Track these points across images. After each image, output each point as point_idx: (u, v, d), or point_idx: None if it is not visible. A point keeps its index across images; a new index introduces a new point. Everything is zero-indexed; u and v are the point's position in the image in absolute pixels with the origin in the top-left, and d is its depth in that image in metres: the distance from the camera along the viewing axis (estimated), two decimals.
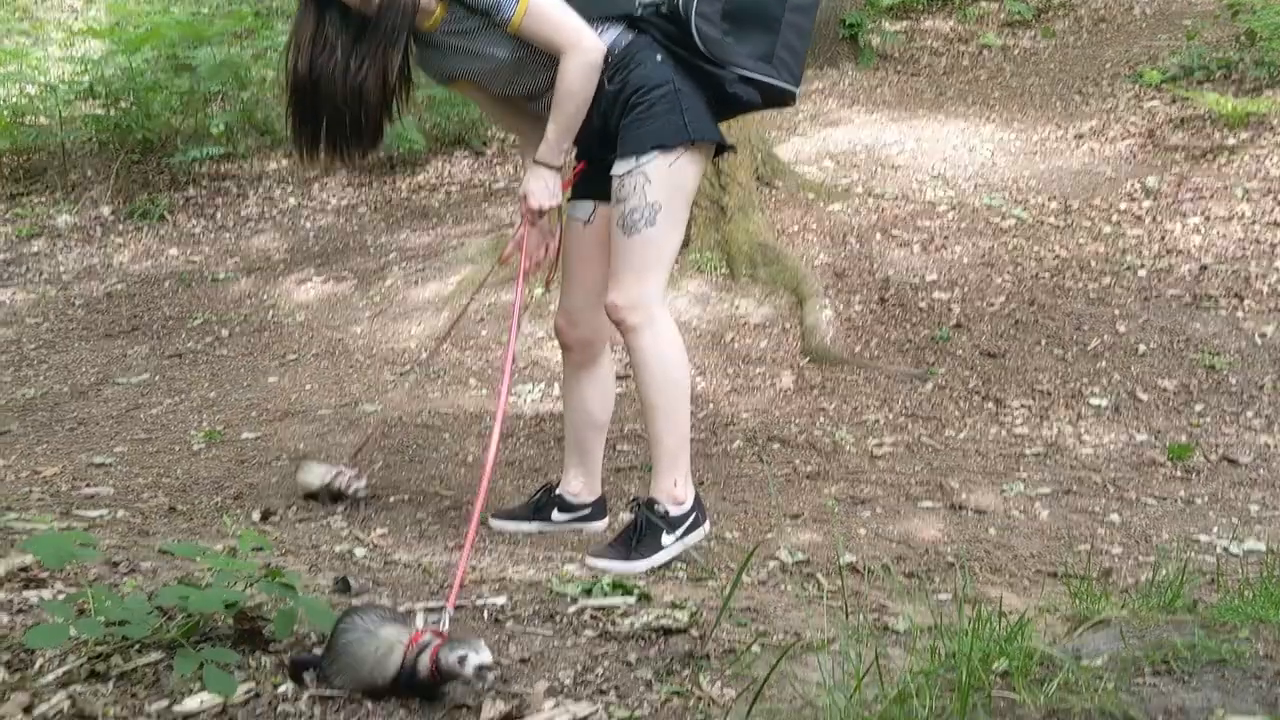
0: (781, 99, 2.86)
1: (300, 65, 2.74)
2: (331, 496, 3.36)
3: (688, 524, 2.86)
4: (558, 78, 2.71)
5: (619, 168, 2.75)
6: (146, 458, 3.98)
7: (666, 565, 2.80)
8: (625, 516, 3.23)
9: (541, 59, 2.75)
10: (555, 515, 3.20)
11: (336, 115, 2.77)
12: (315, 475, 3.40)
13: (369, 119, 2.77)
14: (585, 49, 2.69)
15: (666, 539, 2.82)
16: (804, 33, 2.83)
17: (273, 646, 1.98)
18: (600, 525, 3.22)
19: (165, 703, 1.77)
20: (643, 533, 2.81)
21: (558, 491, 3.22)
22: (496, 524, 3.21)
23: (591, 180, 2.94)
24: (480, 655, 1.80)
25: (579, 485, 3.21)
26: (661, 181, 2.72)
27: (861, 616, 2.19)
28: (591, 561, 2.79)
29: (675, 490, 2.85)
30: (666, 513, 2.83)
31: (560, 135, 2.76)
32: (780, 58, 2.78)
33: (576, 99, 2.72)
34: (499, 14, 2.67)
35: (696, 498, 2.92)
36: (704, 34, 2.71)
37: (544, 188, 2.81)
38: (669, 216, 2.75)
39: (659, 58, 2.75)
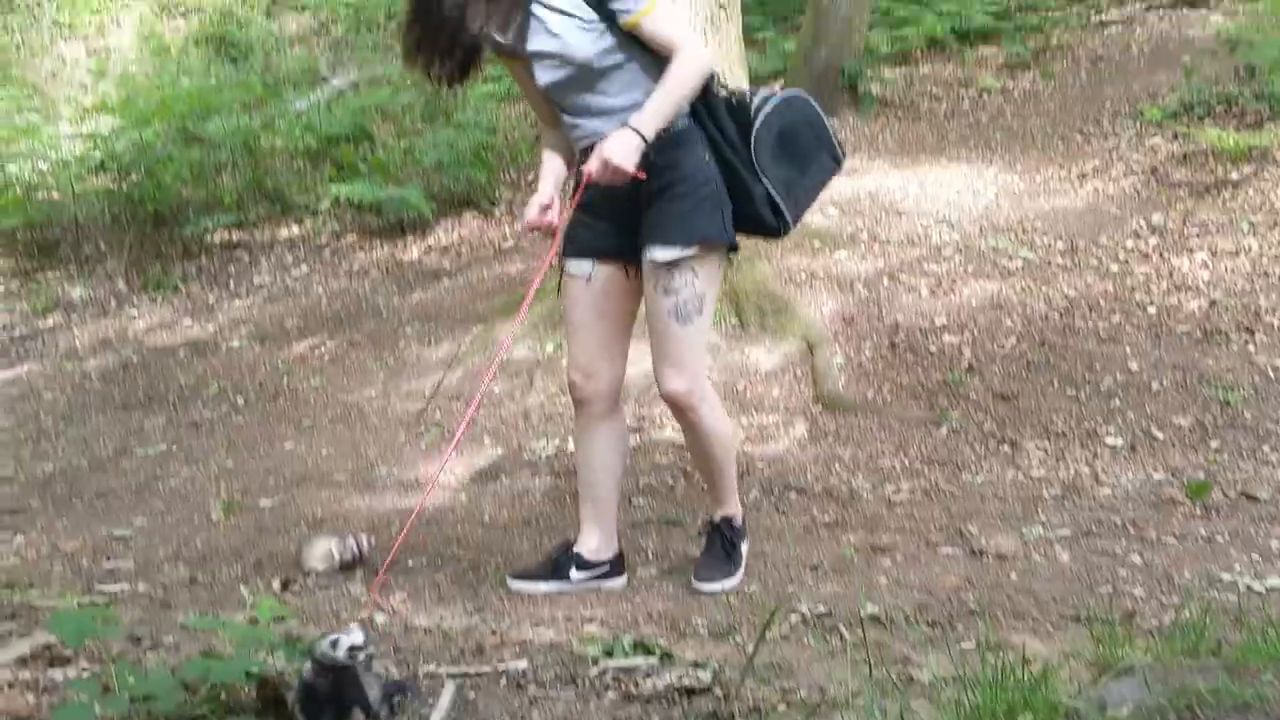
0: (776, 230, 3.03)
1: None
2: (345, 567, 3.37)
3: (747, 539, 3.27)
4: (674, 67, 2.83)
5: (664, 253, 2.88)
6: (166, 529, 4.00)
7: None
8: (646, 573, 3.24)
9: (609, 79, 2.89)
10: (573, 574, 3.19)
11: (435, 28, 2.86)
12: (319, 555, 3.38)
13: (460, 47, 2.87)
14: (703, 52, 2.93)
15: (743, 549, 3.23)
16: (816, 187, 3.09)
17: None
18: (619, 583, 3.23)
19: None
20: (729, 546, 3.19)
21: (575, 549, 3.22)
22: (515, 585, 3.20)
23: (593, 237, 3.02)
24: (350, 636, 1.83)
25: (596, 542, 3.21)
26: (705, 275, 2.93)
27: (885, 669, 2.18)
28: (704, 588, 3.10)
29: (738, 520, 3.23)
30: (739, 527, 3.23)
31: (660, 112, 2.83)
32: (795, 195, 3.00)
33: (685, 88, 2.86)
34: (623, 4, 2.82)
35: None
36: (760, 139, 2.93)
37: (625, 149, 2.80)
38: (710, 303, 2.98)
39: (706, 156, 2.91)
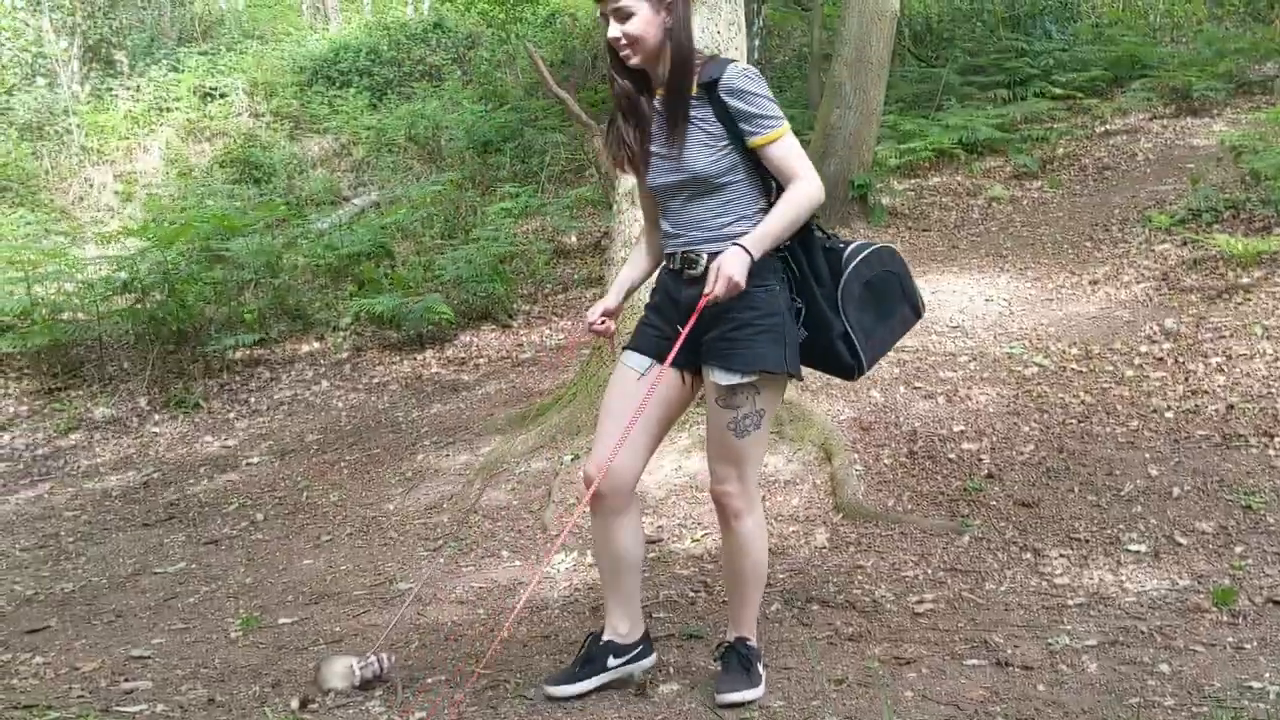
0: (851, 370, 3.14)
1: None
2: (365, 686, 3.34)
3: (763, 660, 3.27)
4: (791, 193, 2.95)
5: (726, 379, 2.99)
6: (184, 648, 3.98)
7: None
8: (668, 689, 3.21)
9: (717, 195, 3.01)
10: (610, 662, 3.26)
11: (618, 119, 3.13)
12: (340, 673, 3.36)
13: (632, 132, 3.10)
14: (820, 185, 2.99)
15: (760, 669, 3.20)
16: (895, 335, 3.25)
17: None
18: (651, 660, 3.34)
19: None
20: (749, 662, 3.18)
21: (605, 638, 3.27)
22: (554, 690, 3.23)
23: (658, 340, 3.14)
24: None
25: (625, 626, 3.27)
26: (766, 395, 3.03)
27: None
28: (726, 698, 3.09)
29: (753, 642, 3.23)
30: (755, 648, 3.22)
31: (771, 234, 2.94)
32: (873, 340, 3.14)
33: (799, 216, 2.96)
34: (756, 125, 2.95)
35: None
36: (848, 283, 3.07)
37: (741, 268, 2.88)
38: (769, 419, 3.08)
39: (778, 288, 3.02)
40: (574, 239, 10.29)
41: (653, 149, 3.07)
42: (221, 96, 14.48)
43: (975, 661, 3.37)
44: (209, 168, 12.87)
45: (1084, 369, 5.69)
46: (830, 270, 3.09)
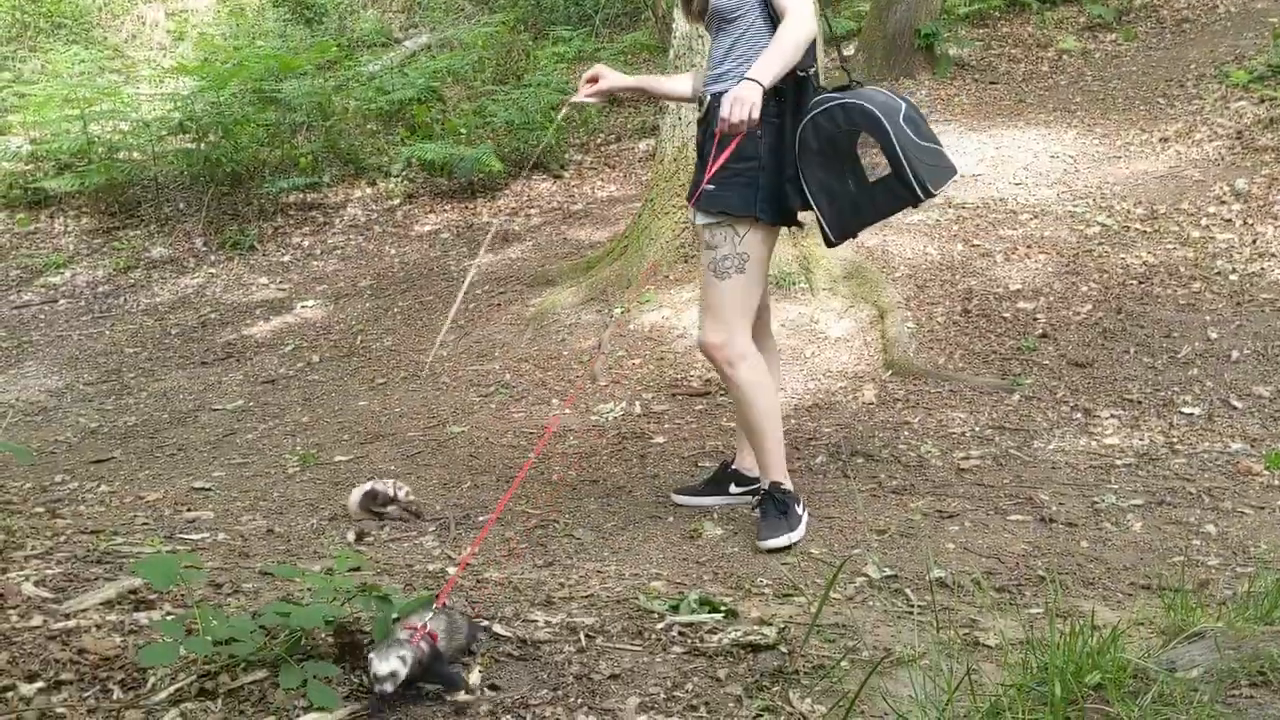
0: (825, 235, 3.11)
1: None
2: (382, 505, 3.53)
3: (802, 503, 3.30)
4: (782, 29, 2.93)
5: (700, 219, 3.11)
6: (244, 481, 4.10)
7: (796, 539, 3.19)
8: (712, 533, 3.26)
9: (727, 31, 3.07)
10: (733, 488, 3.52)
11: None
12: (354, 498, 3.58)
13: None
14: (810, 19, 2.95)
15: (799, 509, 3.25)
16: (873, 212, 3.06)
17: None
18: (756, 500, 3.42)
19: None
20: (785, 506, 3.22)
21: (733, 467, 3.54)
22: (680, 499, 3.57)
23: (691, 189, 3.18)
24: (378, 664, 1.85)
25: (751, 460, 3.43)
26: (749, 239, 3.06)
27: (952, 631, 2.18)
28: (766, 544, 3.14)
29: (787, 483, 3.27)
30: (786, 490, 3.24)
31: (771, 65, 2.90)
32: (840, 205, 3.02)
33: (792, 48, 2.91)
34: None
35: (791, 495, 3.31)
36: (803, 136, 2.99)
37: (752, 94, 2.86)
38: (756, 267, 3.09)
39: (760, 133, 2.98)
40: None
41: None
42: None
43: (1019, 517, 3.39)
44: (260, 7, 12.69)
45: (1148, 229, 5.56)
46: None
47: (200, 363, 5.87)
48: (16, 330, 6.64)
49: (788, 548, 3.15)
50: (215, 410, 5.11)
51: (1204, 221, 5.55)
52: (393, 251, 7.25)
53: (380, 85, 9.16)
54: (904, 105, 2.99)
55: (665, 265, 5.63)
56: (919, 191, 2.94)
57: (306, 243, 7.56)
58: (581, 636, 2.22)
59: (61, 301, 7.06)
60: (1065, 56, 9.02)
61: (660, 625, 2.30)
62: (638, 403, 4.59)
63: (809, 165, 2.99)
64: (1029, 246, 5.47)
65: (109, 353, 6.17)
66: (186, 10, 12.93)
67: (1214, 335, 4.58)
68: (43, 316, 6.86)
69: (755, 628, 2.25)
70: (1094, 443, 3.99)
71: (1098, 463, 3.81)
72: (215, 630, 1.98)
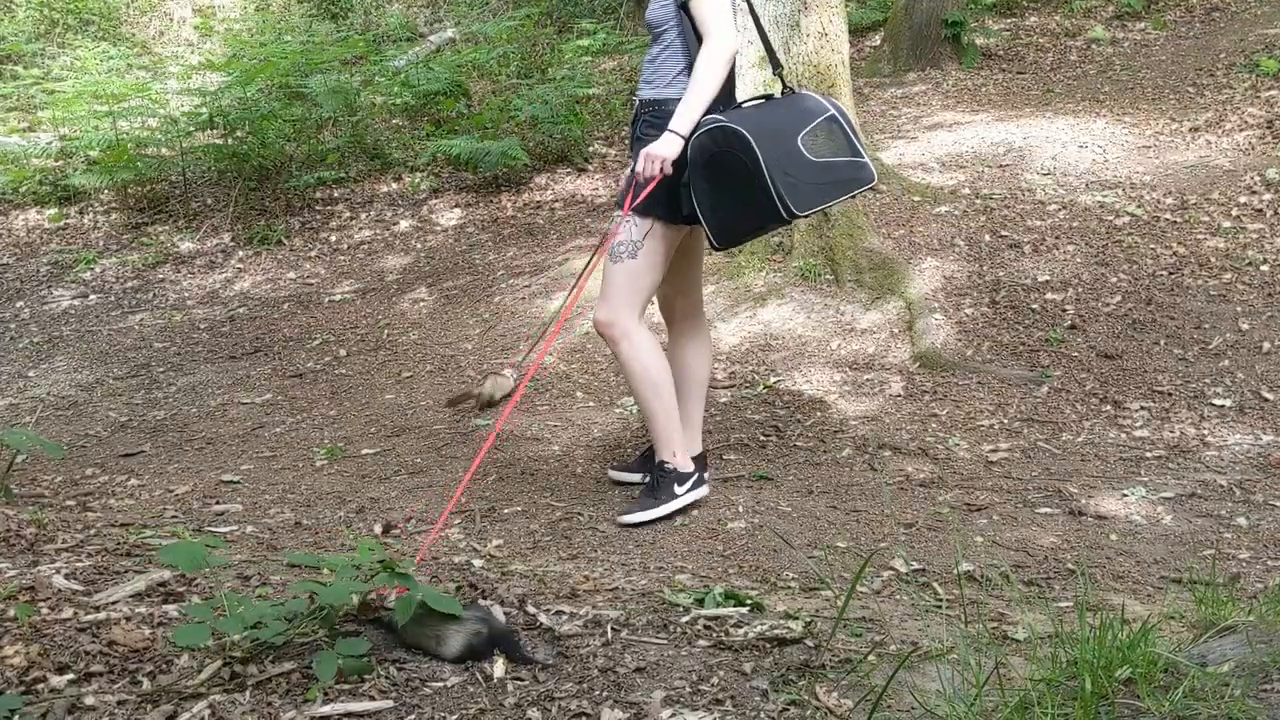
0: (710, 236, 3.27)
1: None
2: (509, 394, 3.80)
3: (692, 482, 3.45)
4: (699, 61, 3.14)
5: (616, 211, 3.35)
6: (272, 474, 4.13)
7: (683, 511, 3.42)
8: (736, 527, 3.25)
9: (656, 44, 3.29)
10: (677, 490, 3.49)
11: None
12: (499, 386, 3.88)
13: None
14: (725, 45, 3.14)
15: (679, 489, 3.42)
16: (746, 228, 3.29)
17: None
18: (705, 491, 3.55)
19: (300, 712, 1.84)
20: (659, 485, 3.42)
21: (665, 465, 3.53)
22: (613, 474, 3.80)
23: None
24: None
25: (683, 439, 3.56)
26: (644, 228, 3.27)
27: (980, 625, 2.17)
28: (623, 520, 3.38)
29: (676, 460, 3.42)
30: (675, 469, 3.41)
31: (689, 112, 3.15)
32: (723, 215, 3.18)
33: (710, 81, 3.15)
34: None
35: (697, 464, 3.49)
36: (692, 151, 3.16)
37: (665, 150, 3.15)
38: (650, 256, 3.30)
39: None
40: None
41: None
42: None
43: (1048, 510, 3.36)
44: (286, 2, 12.75)
45: (1178, 219, 5.50)
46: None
47: (229, 357, 5.91)
48: (47, 325, 6.71)
49: (640, 525, 3.35)
50: (243, 404, 5.14)
51: (1234, 211, 5.49)
52: (418, 245, 7.27)
53: (406, 80, 9.18)
54: (815, 123, 3.20)
55: None
56: (783, 212, 3.12)
57: (333, 237, 7.59)
58: (607, 630, 2.22)
59: (91, 296, 7.12)
60: (1094, 45, 8.93)
61: (685, 619, 2.29)
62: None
63: (695, 177, 3.16)
64: (1057, 237, 5.42)
65: (138, 347, 6.21)
66: (213, 6, 13.01)
67: (1245, 326, 4.53)
68: (73, 311, 6.93)
69: (781, 621, 2.24)
70: (1124, 435, 3.96)
71: (1127, 455, 3.78)
72: (243, 617, 1.99)
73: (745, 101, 3.36)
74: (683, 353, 3.61)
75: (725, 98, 3.25)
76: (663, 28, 3.25)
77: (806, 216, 3.26)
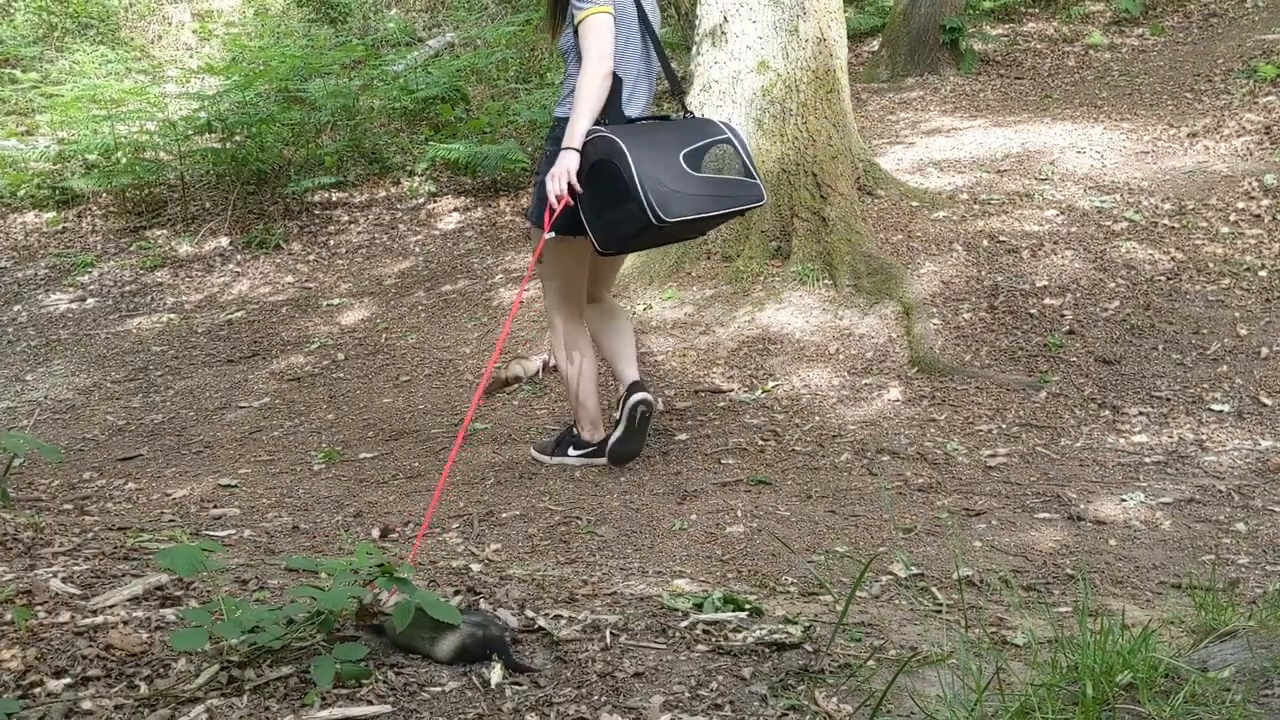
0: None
1: None
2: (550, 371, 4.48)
3: (590, 451, 3.99)
4: (579, 83, 3.41)
5: (538, 230, 3.59)
6: (270, 478, 4.12)
7: (570, 469, 3.97)
8: (735, 531, 3.24)
9: (566, 65, 3.62)
10: (571, 452, 4.02)
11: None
12: (528, 366, 4.62)
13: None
14: (592, 72, 3.39)
15: (573, 451, 4.00)
16: (622, 231, 3.44)
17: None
18: (601, 461, 3.98)
19: (298, 716, 1.83)
20: (561, 442, 4.05)
21: (575, 430, 4.05)
22: (532, 454, 4.13)
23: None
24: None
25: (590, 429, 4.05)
26: (549, 241, 3.54)
27: (980, 630, 2.16)
28: (530, 450, 4.12)
29: (584, 434, 4.00)
30: (579, 436, 4.00)
31: (574, 127, 3.41)
32: (604, 219, 3.42)
33: (588, 101, 3.40)
34: (574, 6, 3.46)
35: (603, 444, 3.95)
36: (583, 161, 3.41)
37: (565, 168, 3.41)
38: (558, 266, 3.79)
39: (553, 150, 3.50)
40: None
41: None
42: None
43: (1046, 515, 3.36)
44: (285, 6, 12.75)
45: (1176, 225, 5.50)
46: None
47: (226, 361, 5.91)
48: (45, 329, 6.70)
49: (533, 459, 4.05)
50: (241, 408, 5.14)
51: (1232, 217, 5.50)
52: (417, 250, 7.27)
53: (404, 84, 9.18)
54: (703, 142, 3.45)
55: (688, 261, 5.61)
56: (650, 217, 3.30)
57: (331, 241, 7.59)
58: (606, 634, 2.22)
59: (89, 300, 7.11)
60: (1091, 51, 8.95)
61: (684, 623, 2.29)
62: (660, 399, 4.58)
63: (582, 183, 3.39)
64: (1055, 242, 5.43)
65: (136, 351, 6.21)
66: (212, 10, 13.00)
67: (1243, 332, 4.53)
68: (71, 315, 6.92)
69: (780, 626, 2.24)
70: (1122, 440, 3.96)
71: (1126, 460, 3.78)
72: (240, 621, 1.98)
73: (642, 119, 3.59)
74: (590, 320, 3.99)
75: (615, 114, 3.49)
76: (566, 53, 3.58)
77: (677, 225, 3.38)
